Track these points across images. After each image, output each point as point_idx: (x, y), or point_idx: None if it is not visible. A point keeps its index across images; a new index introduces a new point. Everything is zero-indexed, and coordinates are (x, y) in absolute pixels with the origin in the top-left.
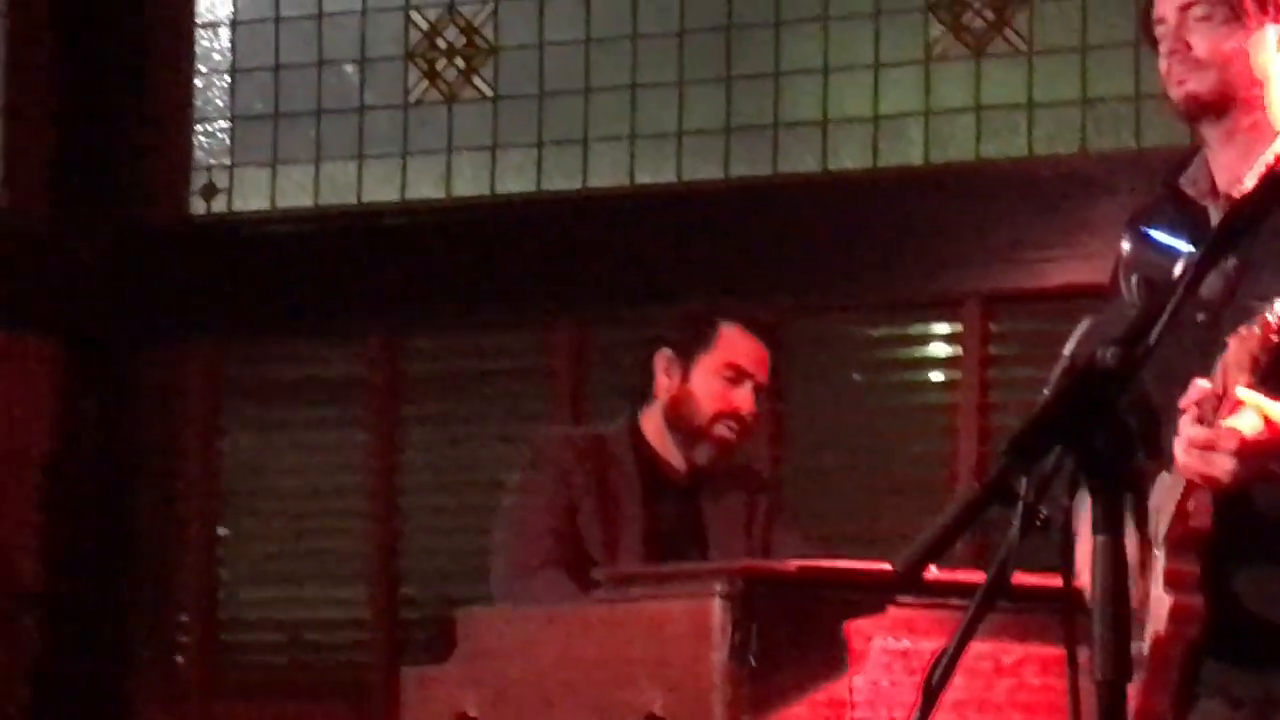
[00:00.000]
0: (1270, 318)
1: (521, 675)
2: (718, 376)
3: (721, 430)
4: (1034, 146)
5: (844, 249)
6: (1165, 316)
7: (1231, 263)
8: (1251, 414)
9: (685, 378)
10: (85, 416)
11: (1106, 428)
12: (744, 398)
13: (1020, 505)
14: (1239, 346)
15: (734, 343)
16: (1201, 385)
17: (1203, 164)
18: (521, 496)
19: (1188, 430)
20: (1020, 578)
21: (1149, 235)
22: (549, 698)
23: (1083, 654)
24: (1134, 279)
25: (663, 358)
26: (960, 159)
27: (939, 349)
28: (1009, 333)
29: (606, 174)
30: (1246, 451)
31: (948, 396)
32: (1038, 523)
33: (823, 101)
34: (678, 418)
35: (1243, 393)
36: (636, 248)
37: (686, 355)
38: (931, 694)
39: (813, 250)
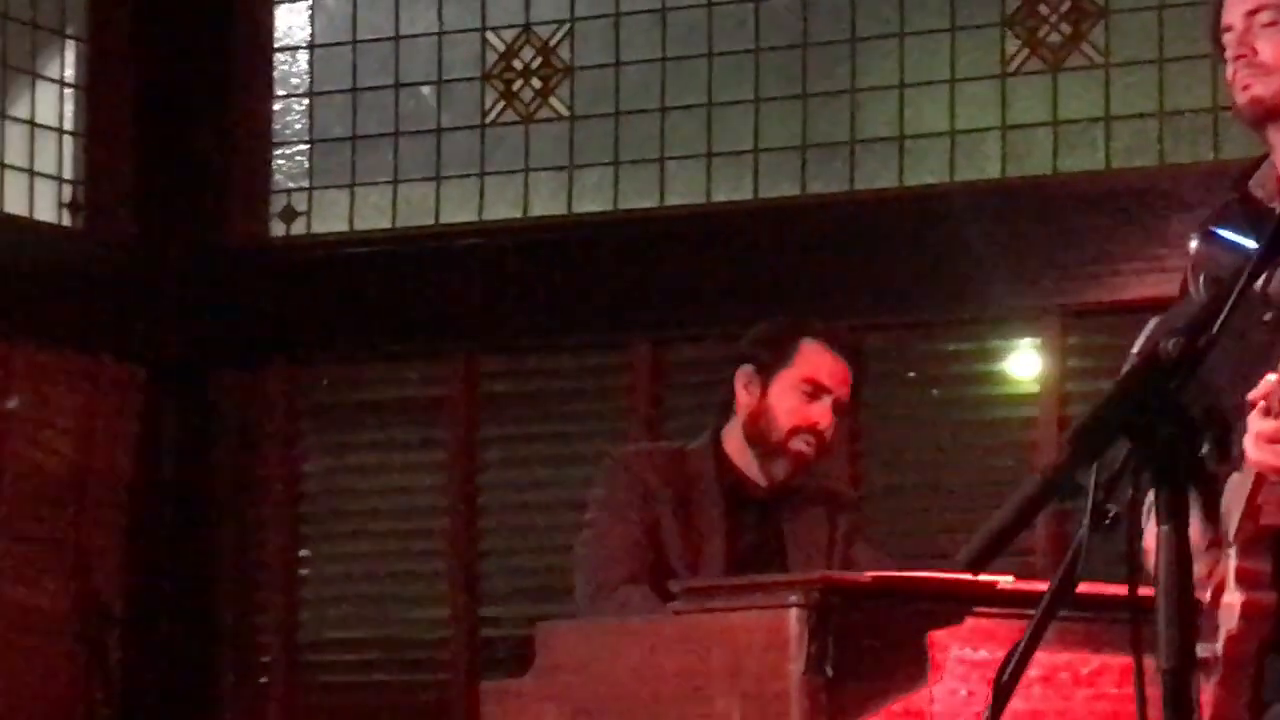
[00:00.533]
0: None
1: (599, 689)
2: (796, 392)
3: (799, 445)
4: (1111, 160)
5: (922, 264)
6: (1227, 308)
7: None
8: None
9: (764, 393)
10: (166, 440)
11: (1169, 418)
12: (822, 413)
13: (1089, 503)
14: None
15: (813, 358)
16: (1270, 380)
17: (1270, 167)
18: (602, 513)
19: (1256, 424)
20: (1095, 587)
21: (1218, 234)
22: (627, 711)
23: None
24: (1202, 278)
25: (743, 374)
26: (1037, 173)
27: (1017, 363)
28: (1087, 346)
29: (683, 192)
30: None
31: (1026, 411)
32: (1106, 521)
33: (899, 117)
34: (756, 433)
35: None
36: (713, 265)
37: (766, 371)
38: (1002, 692)
39: (890, 266)
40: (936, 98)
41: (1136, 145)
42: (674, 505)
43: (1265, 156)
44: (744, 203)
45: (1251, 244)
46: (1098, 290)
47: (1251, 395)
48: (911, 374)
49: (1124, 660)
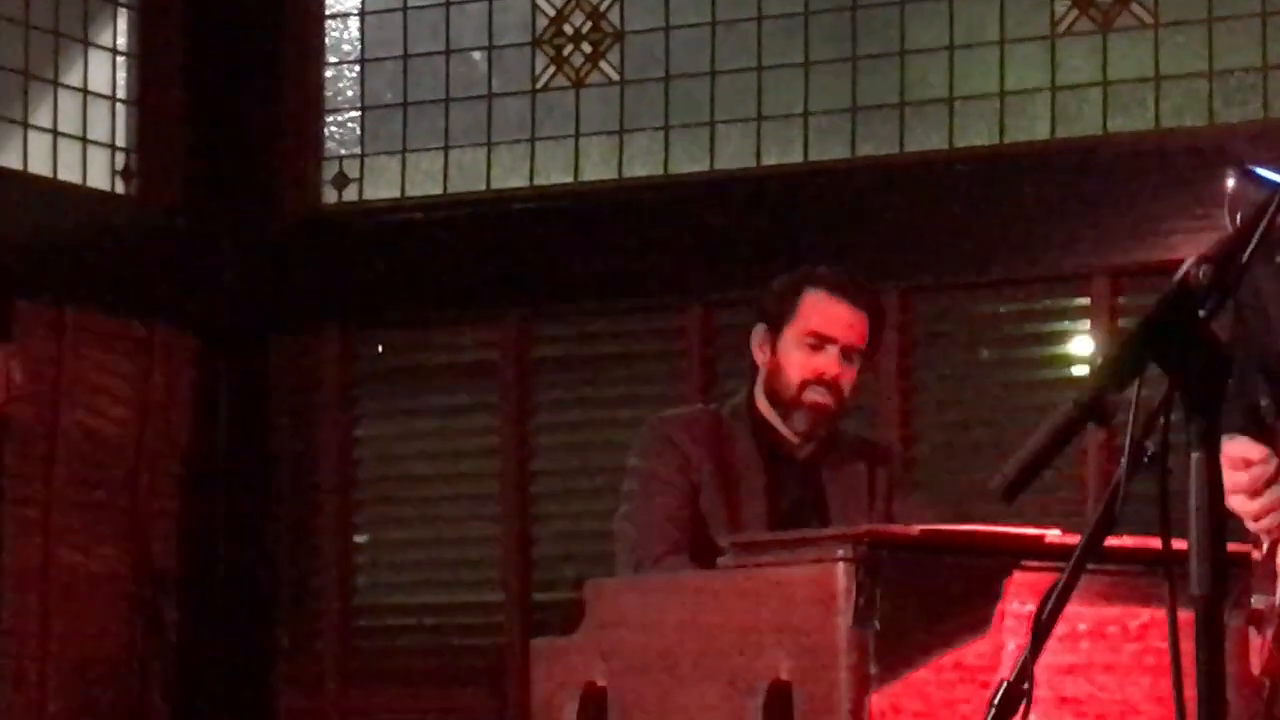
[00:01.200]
0: None
1: (649, 644)
2: (801, 345)
3: (812, 397)
4: (1161, 120)
5: (971, 226)
6: (1258, 234)
7: None
8: None
9: (775, 351)
10: (221, 406)
11: (1200, 345)
12: (828, 362)
13: (1127, 442)
14: None
15: (816, 309)
16: None
17: None
18: (642, 485)
19: None
20: (1141, 540)
21: (1254, 172)
22: (676, 666)
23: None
24: (1239, 215)
25: (757, 334)
26: (1087, 134)
27: (1067, 324)
28: (1137, 306)
29: (733, 156)
30: None
31: (1076, 371)
32: (1145, 459)
33: (949, 79)
34: (773, 390)
35: None
36: (764, 228)
37: (775, 328)
38: (1042, 629)
39: (940, 227)
40: (986, 59)
41: (1186, 105)
42: (714, 471)
43: None
44: (794, 165)
45: None
46: (1147, 250)
47: None
48: (960, 334)
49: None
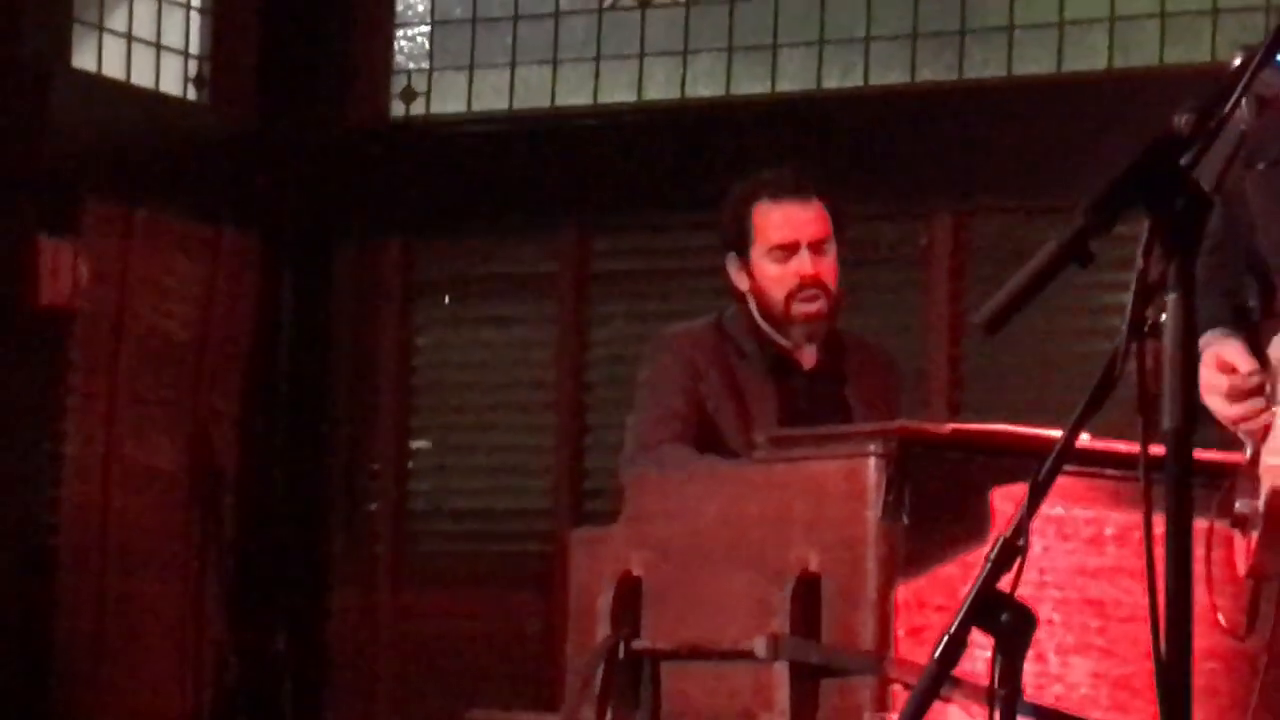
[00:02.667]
0: None
1: (684, 535)
2: (770, 261)
3: (802, 307)
4: (1217, 52)
5: (1028, 153)
6: (1240, 87)
7: None
8: None
9: (751, 275)
10: (284, 310)
11: (1181, 190)
12: (801, 265)
13: (1128, 310)
14: None
15: (768, 221)
16: None
17: None
18: (650, 393)
19: None
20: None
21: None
22: (709, 555)
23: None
24: (1251, 96)
25: (731, 263)
26: (1144, 64)
27: (1117, 251)
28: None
29: (794, 78)
30: None
31: (1124, 298)
32: (1145, 329)
33: (1009, 7)
34: (765, 311)
35: None
36: (823, 149)
37: (743, 254)
38: (1038, 489)
39: (998, 154)
40: None
41: (1242, 36)
42: (721, 380)
43: None
44: (854, 89)
45: None
46: None
47: None
48: (1015, 259)
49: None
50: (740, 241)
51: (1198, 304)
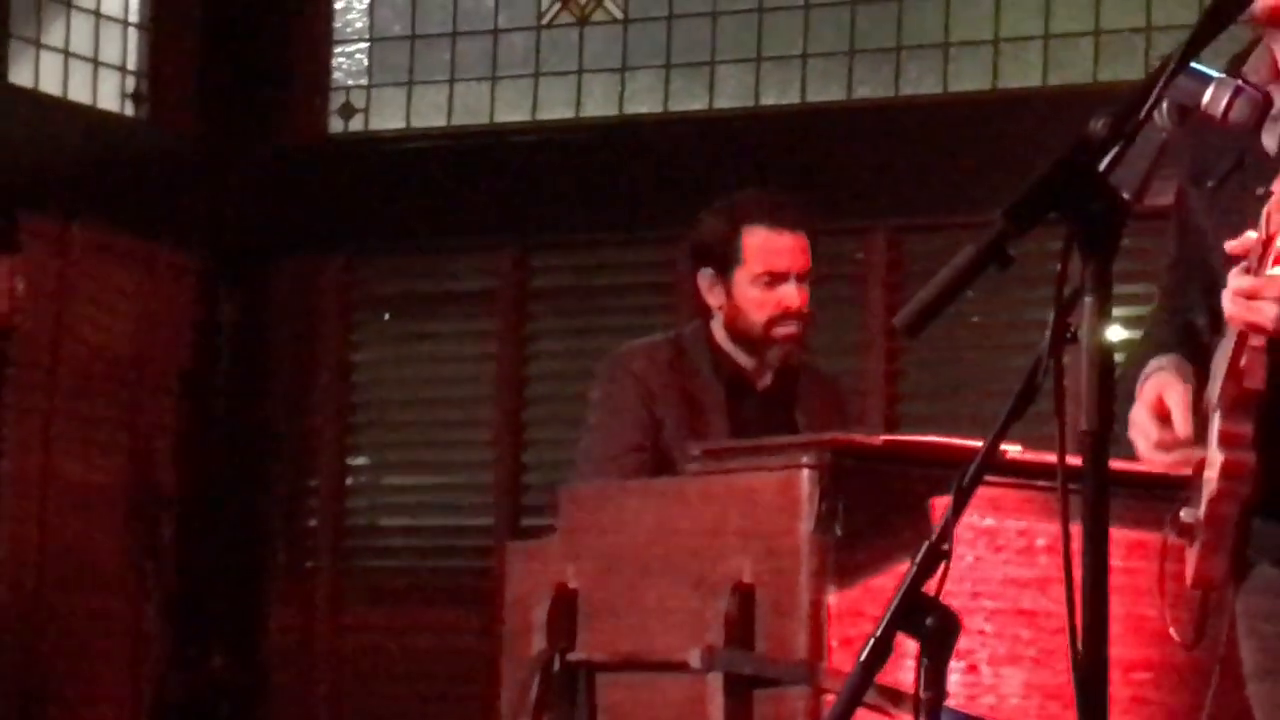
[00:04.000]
0: None
1: (619, 546)
2: (756, 286)
3: (782, 331)
4: (1150, 69)
5: (964, 168)
6: (1156, 91)
7: None
8: None
9: (729, 294)
10: (224, 326)
11: (1097, 194)
12: (788, 295)
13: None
14: None
15: (762, 248)
16: (1249, 236)
17: (1264, 52)
18: (603, 417)
19: (1235, 280)
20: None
21: (1192, 67)
22: (645, 567)
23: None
24: (1165, 105)
25: (704, 278)
26: (1078, 81)
27: (1052, 266)
28: (1129, 250)
29: (732, 95)
30: None
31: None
32: (1068, 336)
33: (945, 25)
34: (738, 331)
35: None
36: (759, 167)
37: (723, 271)
38: (962, 495)
39: (934, 170)
40: (982, 6)
41: None
42: (677, 401)
43: (1259, 40)
44: (791, 106)
45: (1216, 74)
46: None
47: (1229, 247)
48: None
49: (1130, 534)
50: (723, 260)
51: (1156, 327)
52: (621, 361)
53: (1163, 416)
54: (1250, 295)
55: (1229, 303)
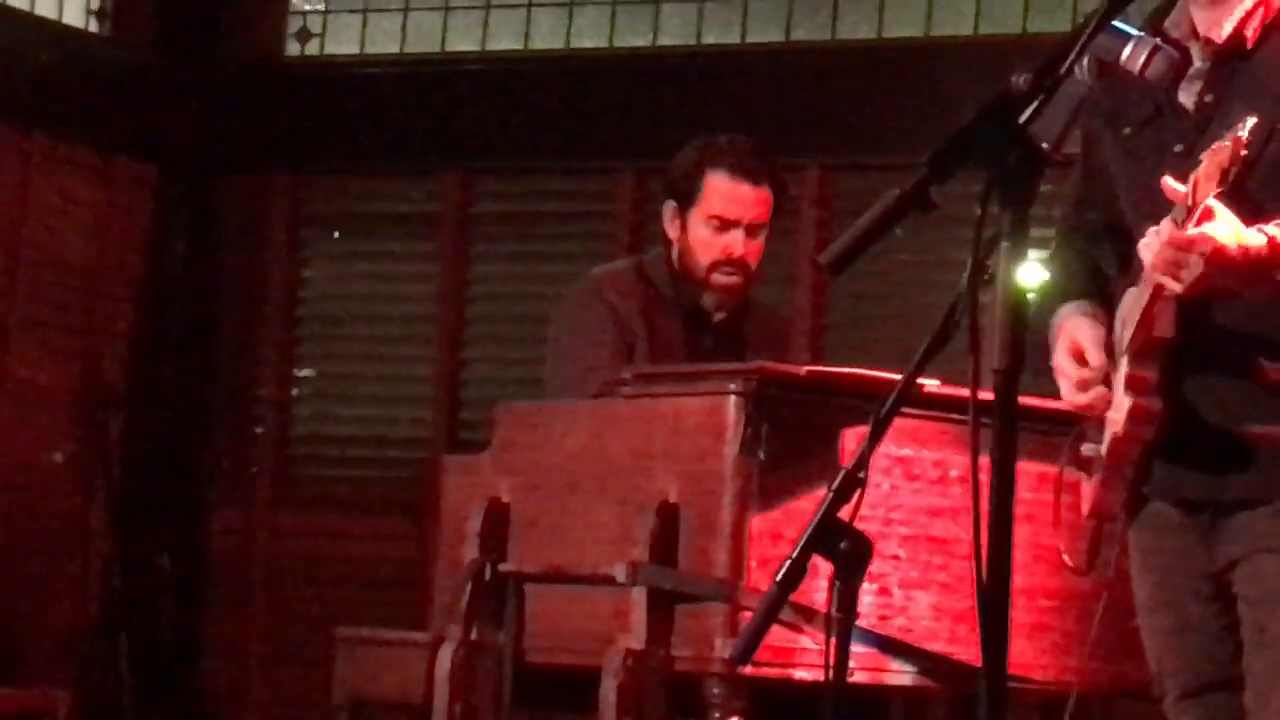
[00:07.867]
0: (1241, 134)
1: (551, 463)
2: (706, 227)
3: (721, 279)
4: (1078, 22)
5: (895, 112)
6: (1078, 47)
7: (1208, 97)
8: (1223, 224)
9: (684, 229)
10: (175, 238)
11: (1016, 145)
12: (733, 243)
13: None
14: (1210, 160)
15: (719, 191)
16: (1176, 186)
17: (1183, 9)
18: (573, 338)
19: (1165, 231)
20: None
21: (1113, 25)
22: (575, 484)
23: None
24: (1086, 60)
25: (668, 209)
26: (1009, 31)
27: (976, 207)
28: (1050, 195)
29: (675, 33)
30: (1215, 258)
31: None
32: (987, 277)
33: None
34: (685, 267)
35: (1213, 203)
36: (700, 103)
37: (684, 207)
38: (879, 425)
39: (866, 113)
40: None
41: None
42: (642, 320)
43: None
44: (732, 46)
45: (1135, 30)
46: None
47: (1170, 189)
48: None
49: (1037, 467)
50: (685, 196)
51: (1064, 272)
52: (595, 287)
53: (1078, 357)
54: (1180, 246)
55: (1152, 250)
